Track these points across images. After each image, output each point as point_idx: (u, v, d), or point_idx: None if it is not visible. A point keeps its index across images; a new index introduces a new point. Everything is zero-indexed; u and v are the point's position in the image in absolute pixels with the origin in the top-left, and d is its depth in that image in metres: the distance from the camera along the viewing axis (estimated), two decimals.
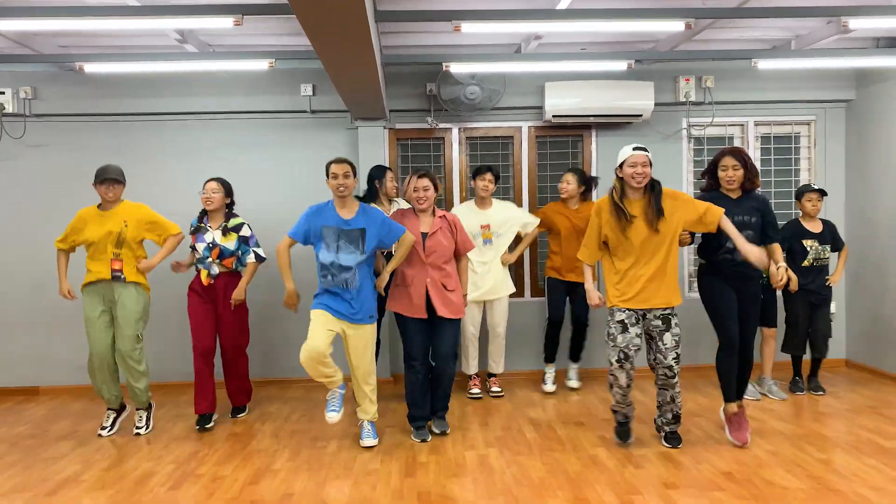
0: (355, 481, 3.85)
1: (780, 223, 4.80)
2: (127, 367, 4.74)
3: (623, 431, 4.32)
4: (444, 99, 5.87)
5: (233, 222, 4.89)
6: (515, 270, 6.17)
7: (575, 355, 5.75)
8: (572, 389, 5.66)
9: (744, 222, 4.23)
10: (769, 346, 5.39)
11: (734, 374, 4.36)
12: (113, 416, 4.89)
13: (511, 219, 5.56)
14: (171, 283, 5.51)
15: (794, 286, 5.17)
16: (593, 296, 4.31)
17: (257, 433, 4.78)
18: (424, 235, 4.46)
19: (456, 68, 5.42)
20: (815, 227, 5.42)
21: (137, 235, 4.73)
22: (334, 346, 4.36)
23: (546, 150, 6.35)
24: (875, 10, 4.53)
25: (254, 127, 6.13)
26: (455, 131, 6.25)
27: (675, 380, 4.16)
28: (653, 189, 4.08)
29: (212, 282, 4.82)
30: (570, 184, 5.51)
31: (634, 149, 4.07)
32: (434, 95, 5.96)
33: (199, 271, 4.87)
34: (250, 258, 4.91)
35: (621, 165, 4.09)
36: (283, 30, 5.24)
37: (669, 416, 4.29)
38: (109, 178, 4.69)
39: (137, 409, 4.90)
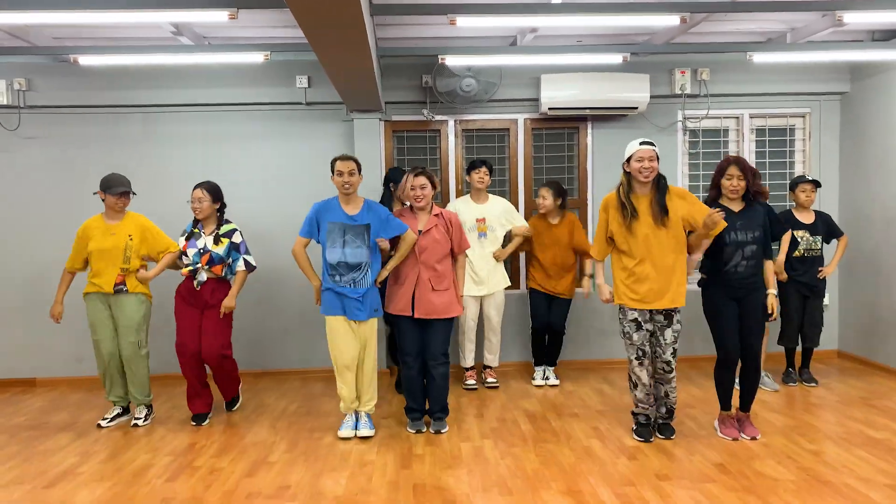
0: (351, 473, 3.89)
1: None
2: (129, 372, 4.80)
3: (645, 431, 4.31)
4: (440, 91, 5.87)
5: (225, 229, 4.84)
6: (511, 263, 6.19)
7: (551, 360, 5.79)
8: (553, 386, 5.67)
9: (746, 239, 4.17)
10: (763, 340, 5.42)
11: (732, 386, 4.36)
12: (118, 411, 4.93)
13: (505, 213, 5.59)
14: (174, 278, 5.51)
15: (781, 277, 5.21)
16: (604, 291, 4.33)
17: (254, 425, 4.81)
18: (419, 233, 4.48)
19: (452, 61, 5.42)
20: (807, 218, 5.45)
21: (141, 249, 4.76)
22: (320, 341, 4.43)
23: (542, 143, 6.36)
24: (869, 4, 4.54)
25: (249, 119, 6.12)
26: (451, 123, 6.25)
27: (672, 374, 4.22)
28: (658, 184, 4.10)
29: (198, 288, 4.76)
30: (546, 199, 5.53)
31: (642, 143, 4.07)
32: (430, 87, 5.96)
33: (186, 276, 4.82)
34: (240, 266, 4.83)
35: (629, 160, 4.10)
36: (279, 22, 5.23)
37: (663, 409, 4.34)
38: (124, 191, 4.72)
39: (138, 405, 4.93)
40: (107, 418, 4.86)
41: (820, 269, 5.43)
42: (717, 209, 4.00)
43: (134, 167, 5.77)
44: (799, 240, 5.38)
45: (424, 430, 4.56)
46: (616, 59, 5.48)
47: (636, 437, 4.31)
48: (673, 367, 4.21)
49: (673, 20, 4.43)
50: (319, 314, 4.52)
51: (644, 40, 5.89)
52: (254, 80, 5.98)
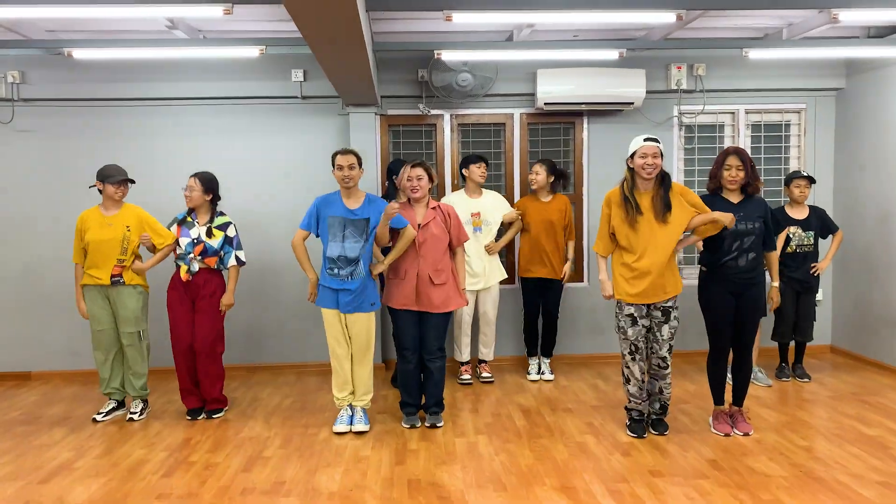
0: (346, 469, 3.90)
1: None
2: (129, 363, 4.82)
3: (639, 427, 4.34)
4: (436, 86, 5.85)
5: (219, 221, 4.82)
6: (506, 256, 6.20)
7: (547, 350, 5.80)
8: (547, 381, 5.69)
9: (746, 230, 4.17)
10: (756, 334, 5.45)
11: (724, 380, 4.40)
12: (113, 405, 4.93)
13: (499, 207, 5.60)
14: (168, 271, 5.51)
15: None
16: (607, 287, 4.34)
17: (249, 420, 4.82)
18: (418, 227, 4.48)
19: (448, 56, 5.41)
20: (800, 213, 5.47)
21: (138, 241, 4.75)
22: (321, 336, 4.45)
23: (538, 137, 6.36)
24: (864, 3, 4.54)
25: (244, 112, 6.10)
26: (447, 118, 6.24)
27: (667, 370, 4.24)
28: (662, 181, 4.11)
29: (190, 278, 4.74)
30: (539, 174, 5.54)
31: (646, 139, 4.08)
32: (426, 82, 5.94)
33: (178, 267, 4.79)
34: (232, 262, 4.80)
35: (632, 156, 4.10)
36: (275, 15, 5.20)
37: (657, 405, 4.37)
38: (125, 179, 4.72)
39: (133, 398, 4.93)
40: (102, 413, 4.87)
41: (813, 265, 5.45)
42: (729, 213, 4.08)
43: (128, 160, 5.69)
44: (791, 236, 5.39)
45: (419, 424, 4.58)
46: (612, 54, 5.48)
47: (630, 433, 4.33)
48: (668, 363, 4.23)
49: (669, 17, 4.42)
50: (314, 307, 4.54)
51: (640, 35, 5.88)
52: (249, 73, 5.96)
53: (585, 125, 6.29)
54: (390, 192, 5.38)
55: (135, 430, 4.64)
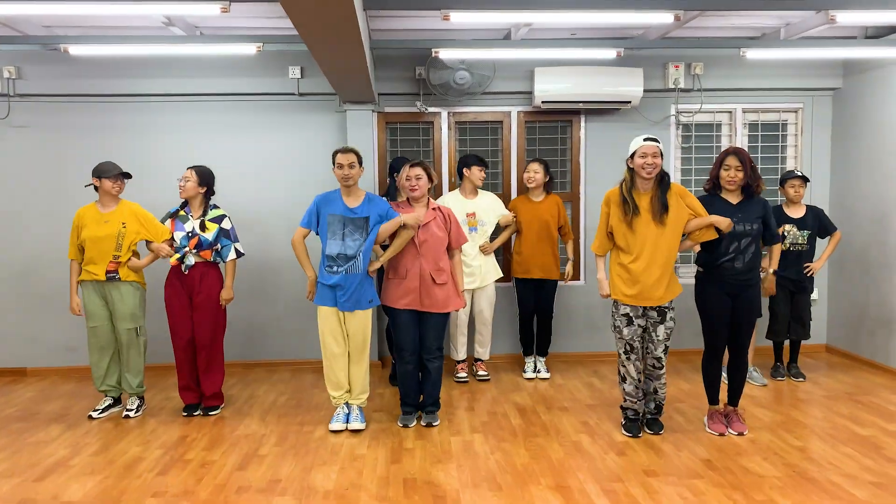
0: (342, 467, 3.91)
1: None
2: (126, 360, 4.81)
3: (634, 426, 4.35)
4: (434, 84, 5.85)
5: (213, 214, 4.81)
6: (502, 255, 6.20)
7: (542, 350, 5.82)
8: (543, 379, 5.71)
9: (744, 231, 4.17)
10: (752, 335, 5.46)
11: (719, 380, 4.41)
12: (109, 402, 4.93)
13: (494, 209, 5.61)
14: (165, 266, 5.51)
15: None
16: (604, 286, 4.35)
17: (245, 417, 4.82)
18: (418, 226, 4.47)
19: (445, 54, 5.40)
20: (797, 212, 5.48)
21: (135, 237, 4.74)
22: (318, 333, 4.48)
23: (535, 136, 6.36)
24: (861, 4, 4.55)
25: (241, 109, 6.09)
26: (444, 115, 6.23)
27: (662, 371, 4.26)
28: (661, 182, 4.11)
29: (185, 272, 4.73)
30: (537, 173, 5.55)
31: (645, 139, 4.08)
32: (423, 79, 5.94)
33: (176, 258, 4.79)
34: (231, 255, 4.80)
35: (632, 156, 4.10)
36: (272, 12, 5.18)
37: (652, 405, 4.38)
38: (122, 173, 4.72)
39: (130, 395, 4.93)
40: (98, 409, 4.87)
41: (806, 264, 5.45)
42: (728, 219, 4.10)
43: (124, 156, 5.70)
44: (785, 234, 5.40)
45: (413, 424, 4.59)
46: (610, 54, 5.48)
47: (625, 433, 4.34)
48: (663, 363, 4.25)
49: (667, 17, 4.42)
50: (311, 304, 4.54)
51: (638, 34, 5.88)
52: (246, 70, 5.94)
53: (583, 124, 6.29)
54: (391, 190, 5.38)
55: (131, 427, 4.64)
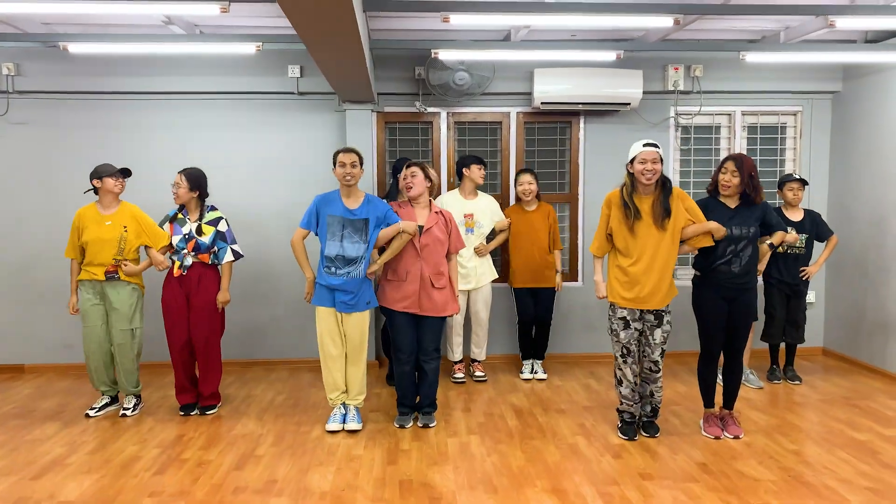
0: (338, 468, 3.92)
1: None
2: (119, 360, 4.81)
3: (630, 429, 4.36)
4: (433, 84, 5.85)
5: (210, 216, 4.79)
6: (501, 255, 6.21)
7: (539, 353, 5.83)
8: (540, 380, 5.71)
9: (740, 234, 4.17)
10: (747, 339, 5.47)
11: (714, 383, 4.43)
12: (106, 401, 4.93)
13: (491, 209, 5.62)
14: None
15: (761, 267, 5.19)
16: (601, 288, 4.35)
17: (242, 416, 4.82)
18: (420, 229, 4.48)
19: (445, 55, 5.39)
20: (795, 215, 5.49)
21: (136, 242, 4.74)
22: (315, 332, 4.49)
23: (534, 136, 6.36)
24: (860, 10, 4.56)
25: (240, 107, 6.08)
26: (443, 115, 6.23)
27: (659, 374, 4.27)
28: (663, 186, 4.12)
29: (183, 273, 4.73)
30: (531, 184, 5.58)
31: (645, 145, 4.08)
32: (423, 79, 5.93)
33: (172, 263, 4.79)
34: (228, 257, 4.78)
35: (632, 161, 4.09)
36: (272, 12, 5.17)
37: (648, 408, 4.39)
38: (124, 170, 4.73)
39: (127, 394, 4.93)
40: (95, 408, 4.87)
41: (802, 268, 5.46)
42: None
43: (123, 154, 5.75)
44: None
45: (409, 425, 4.59)
46: (610, 56, 5.48)
47: (621, 436, 4.35)
48: (660, 367, 4.26)
49: (666, 21, 4.42)
50: (309, 303, 4.53)
51: (638, 36, 5.88)
52: (246, 68, 5.94)
53: (582, 125, 6.29)
54: (393, 190, 5.38)
55: (128, 426, 4.64)
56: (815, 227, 5.49)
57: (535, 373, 5.74)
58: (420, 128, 6.31)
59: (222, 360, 5.02)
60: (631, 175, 4.13)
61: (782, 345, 5.71)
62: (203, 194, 4.83)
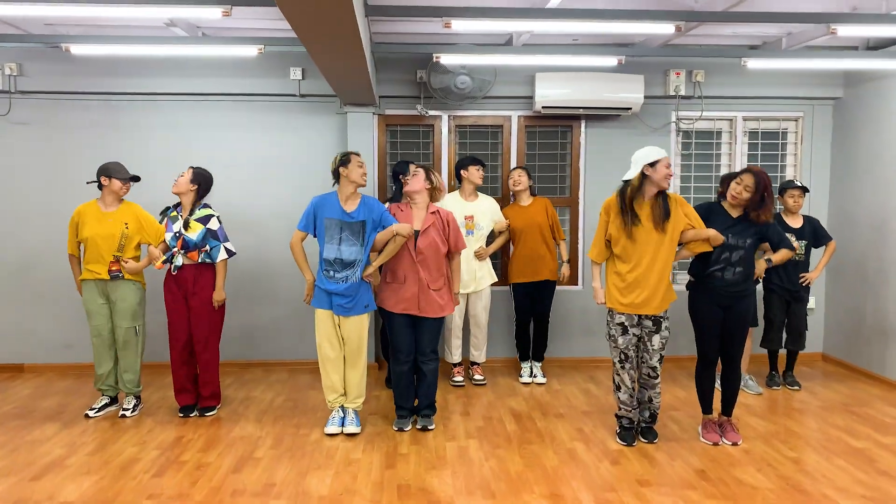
0: (336, 472, 3.92)
1: None
2: (122, 359, 4.83)
3: (628, 435, 4.36)
4: (435, 88, 5.85)
5: (199, 213, 4.77)
6: (500, 258, 6.22)
7: (538, 355, 5.84)
8: (539, 384, 5.72)
9: (736, 244, 4.17)
10: (747, 342, 5.47)
11: (712, 389, 4.43)
12: (105, 401, 4.94)
13: (492, 211, 5.63)
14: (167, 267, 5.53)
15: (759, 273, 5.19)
16: (599, 294, 4.36)
17: (241, 418, 4.83)
18: (416, 233, 4.48)
19: (446, 59, 5.40)
20: (795, 222, 5.49)
21: (136, 239, 4.76)
22: (314, 333, 4.51)
23: (535, 140, 6.36)
24: (862, 18, 4.57)
25: (241, 109, 6.09)
26: (445, 119, 6.24)
27: (657, 380, 4.27)
28: (661, 191, 4.15)
29: (174, 272, 4.73)
30: (521, 176, 5.61)
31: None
32: (425, 83, 5.94)
33: (167, 261, 4.80)
34: (221, 255, 4.76)
35: (653, 164, 4.07)
36: (274, 14, 5.17)
37: (646, 414, 4.39)
38: (134, 177, 4.75)
39: (127, 395, 4.94)
40: (94, 408, 4.88)
41: (802, 275, 5.46)
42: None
43: (125, 155, 5.75)
44: None
45: (408, 428, 4.60)
46: (611, 61, 5.49)
47: (619, 441, 4.35)
48: (658, 372, 4.27)
49: (668, 28, 4.43)
50: (308, 304, 4.54)
51: (640, 41, 5.88)
52: (247, 70, 5.94)
53: (583, 129, 6.30)
54: (397, 194, 5.39)
55: (127, 427, 4.65)
56: (814, 234, 5.49)
57: (535, 376, 5.74)
58: (421, 131, 6.32)
59: (221, 362, 5.04)
60: (644, 177, 4.12)
61: (782, 351, 5.71)
62: (202, 192, 4.82)
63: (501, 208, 5.81)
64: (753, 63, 5.52)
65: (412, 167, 4.62)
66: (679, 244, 4.22)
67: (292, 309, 6.12)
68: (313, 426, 4.66)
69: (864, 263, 6.02)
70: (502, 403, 5.19)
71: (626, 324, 4.20)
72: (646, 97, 5.99)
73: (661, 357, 4.25)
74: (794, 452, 4.23)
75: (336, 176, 4.39)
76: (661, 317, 4.21)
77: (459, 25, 4.35)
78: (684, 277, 6.00)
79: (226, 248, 4.80)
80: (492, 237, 5.73)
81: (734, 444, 4.32)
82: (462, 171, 5.59)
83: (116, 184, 4.69)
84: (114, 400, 4.99)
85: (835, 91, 6.29)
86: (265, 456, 4.16)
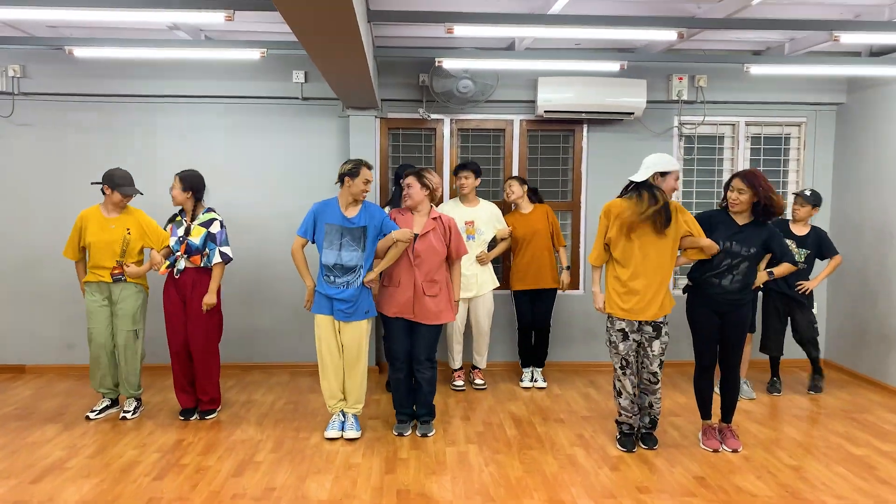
0: (336, 476, 3.93)
1: None
2: (122, 362, 4.83)
3: (628, 441, 4.35)
4: (437, 91, 5.85)
5: (202, 218, 4.77)
6: (503, 263, 6.21)
7: (539, 361, 5.84)
8: (540, 389, 5.72)
9: (738, 252, 4.16)
10: (746, 348, 5.46)
11: (711, 395, 4.43)
12: (106, 403, 4.95)
13: (493, 217, 5.63)
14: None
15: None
16: (598, 299, 4.35)
17: (241, 422, 4.84)
18: (415, 237, 4.48)
19: (449, 64, 5.40)
20: (801, 230, 5.47)
21: (139, 245, 4.77)
22: (310, 334, 4.51)
23: (537, 144, 6.36)
24: (864, 25, 4.57)
25: (244, 112, 6.10)
26: (447, 122, 6.24)
27: (657, 386, 4.27)
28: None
29: (176, 276, 4.74)
30: (514, 186, 5.63)
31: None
32: (427, 86, 5.94)
33: (170, 265, 4.80)
34: (216, 259, 4.74)
35: (664, 174, 4.11)
36: (277, 18, 5.16)
37: (647, 419, 4.39)
38: (136, 190, 4.76)
39: (127, 397, 4.95)
40: (95, 410, 4.89)
41: (798, 283, 5.41)
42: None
43: (127, 157, 5.76)
44: None
45: (408, 433, 4.60)
46: (614, 66, 5.49)
47: (619, 447, 4.35)
48: (659, 378, 4.27)
49: (670, 35, 4.42)
50: (308, 311, 4.54)
51: (642, 46, 5.88)
52: (250, 73, 5.95)
53: (585, 133, 6.30)
54: (396, 197, 5.39)
55: (128, 430, 4.66)
56: (817, 245, 5.44)
57: (535, 381, 5.74)
58: (423, 134, 6.32)
59: (222, 364, 5.04)
60: (650, 187, 4.11)
61: (781, 357, 5.69)
62: (198, 196, 4.82)
63: (510, 209, 5.82)
64: (756, 69, 5.53)
65: (403, 181, 4.58)
66: (679, 250, 4.22)
67: (293, 310, 6.13)
68: (313, 430, 4.66)
69: (866, 269, 6.01)
70: (503, 408, 5.19)
71: (627, 330, 4.20)
72: (648, 102, 5.99)
73: (662, 363, 4.25)
74: (795, 460, 4.22)
75: (342, 180, 4.40)
76: (662, 322, 4.21)
77: (462, 31, 4.35)
78: (683, 282, 6.04)
79: (220, 252, 4.77)
80: (493, 242, 5.72)
81: (734, 450, 4.32)
82: (455, 178, 5.61)
83: (117, 196, 4.71)
84: (115, 402, 5.00)
85: (838, 97, 6.29)
86: (265, 460, 4.16)
